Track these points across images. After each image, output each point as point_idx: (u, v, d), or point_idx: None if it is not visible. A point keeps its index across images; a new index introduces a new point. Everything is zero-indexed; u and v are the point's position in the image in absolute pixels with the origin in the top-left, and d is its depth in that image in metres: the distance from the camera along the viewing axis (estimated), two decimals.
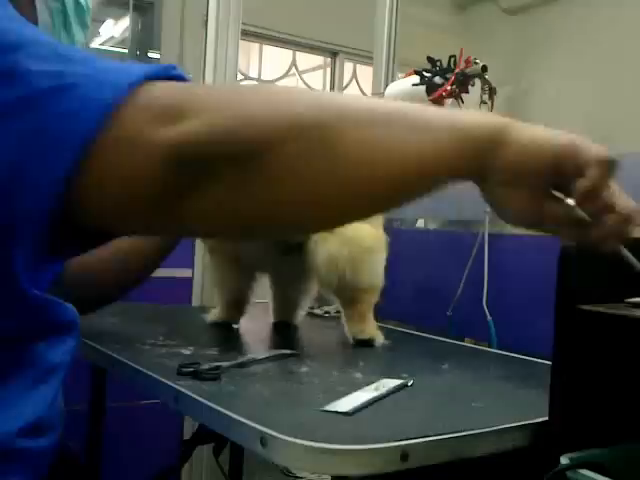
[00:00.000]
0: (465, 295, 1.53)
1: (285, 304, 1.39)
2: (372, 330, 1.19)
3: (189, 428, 1.76)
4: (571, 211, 0.60)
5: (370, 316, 1.20)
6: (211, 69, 1.85)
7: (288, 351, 1.05)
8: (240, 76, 3.41)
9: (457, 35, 3.60)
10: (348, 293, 1.16)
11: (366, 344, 1.17)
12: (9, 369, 0.62)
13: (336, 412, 0.75)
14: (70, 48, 0.76)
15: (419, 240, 1.83)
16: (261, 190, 0.55)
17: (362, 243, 1.12)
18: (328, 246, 1.09)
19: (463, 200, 1.61)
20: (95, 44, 3.45)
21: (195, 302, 1.83)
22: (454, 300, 1.55)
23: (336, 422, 0.72)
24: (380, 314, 1.79)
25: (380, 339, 1.19)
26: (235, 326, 1.31)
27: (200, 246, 1.75)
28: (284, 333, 1.34)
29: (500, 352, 1.27)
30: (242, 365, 0.95)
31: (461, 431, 0.71)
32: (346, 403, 0.77)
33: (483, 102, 1.49)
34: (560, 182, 0.60)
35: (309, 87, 4.39)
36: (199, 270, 1.81)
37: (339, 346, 1.20)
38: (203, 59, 1.85)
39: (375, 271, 1.17)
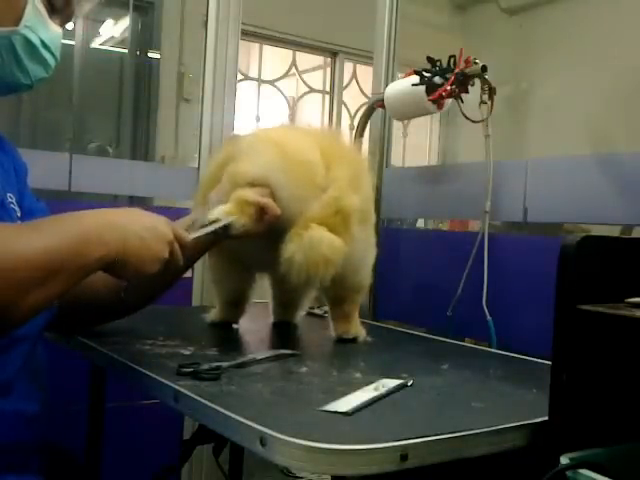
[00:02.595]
0: (465, 295, 1.53)
1: (285, 304, 1.39)
2: (356, 329, 1.23)
3: (189, 428, 1.77)
4: None
5: (355, 315, 1.24)
6: (211, 69, 1.85)
7: (288, 351, 1.05)
8: (240, 76, 3.41)
9: (457, 35, 3.61)
10: (336, 293, 1.20)
11: (349, 341, 1.21)
12: None
13: (336, 412, 0.75)
14: None
15: (419, 240, 1.83)
16: None
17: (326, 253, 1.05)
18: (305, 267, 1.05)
19: (463, 200, 1.61)
20: (95, 44, 3.45)
21: (195, 302, 1.83)
22: (454, 300, 1.55)
23: (336, 422, 0.72)
24: (380, 314, 1.80)
25: (363, 335, 1.24)
26: (235, 326, 1.31)
27: None
28: (284, 333, 1.34)
29: (500, 352, 1.27)
30: (242, 365, 0.95)
31: (461, 431, 0.71)
32: (346, 403, 0.77)
33: (483, 102, 1.48)
34: None
35: (309, 87, 4.40)
36: (199, 270, 1.81)
37: (339, 346, 1.20)
38: (203, 59, 1.85)
39: (364, 272, 1.19)
